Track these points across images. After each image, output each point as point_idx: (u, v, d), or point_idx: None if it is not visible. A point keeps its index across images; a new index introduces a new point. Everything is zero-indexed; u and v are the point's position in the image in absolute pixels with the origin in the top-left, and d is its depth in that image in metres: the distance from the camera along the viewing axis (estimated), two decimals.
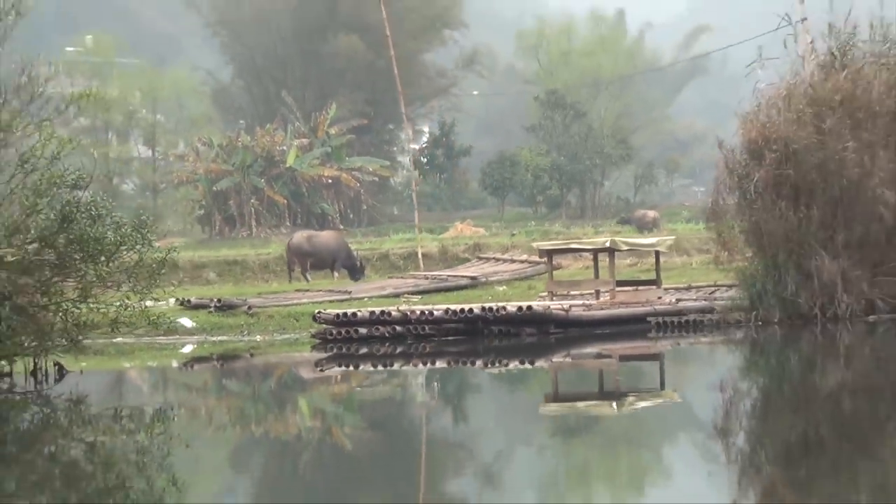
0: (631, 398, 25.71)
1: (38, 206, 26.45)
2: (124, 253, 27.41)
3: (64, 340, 27.47)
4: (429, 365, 31.73)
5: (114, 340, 34.72)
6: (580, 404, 25.29)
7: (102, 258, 27.07)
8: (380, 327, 33.91)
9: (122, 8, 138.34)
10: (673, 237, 40.90)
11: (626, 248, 37.69)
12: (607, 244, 37.12)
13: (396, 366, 31.64)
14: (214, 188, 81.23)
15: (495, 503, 16.57)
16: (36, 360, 27.56)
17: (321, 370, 31.57)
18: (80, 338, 27.88)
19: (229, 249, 63.68)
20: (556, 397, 26.62)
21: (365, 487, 18.18)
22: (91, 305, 27.49)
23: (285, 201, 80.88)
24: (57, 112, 28.23)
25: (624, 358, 31.61)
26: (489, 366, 31.28)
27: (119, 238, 27.16)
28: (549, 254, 38.75)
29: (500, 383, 29.40)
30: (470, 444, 21.51)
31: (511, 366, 31.14)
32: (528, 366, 30.97)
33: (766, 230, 33.46)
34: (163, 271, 28.86)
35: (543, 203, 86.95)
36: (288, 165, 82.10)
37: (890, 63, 34.58)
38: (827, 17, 36.38)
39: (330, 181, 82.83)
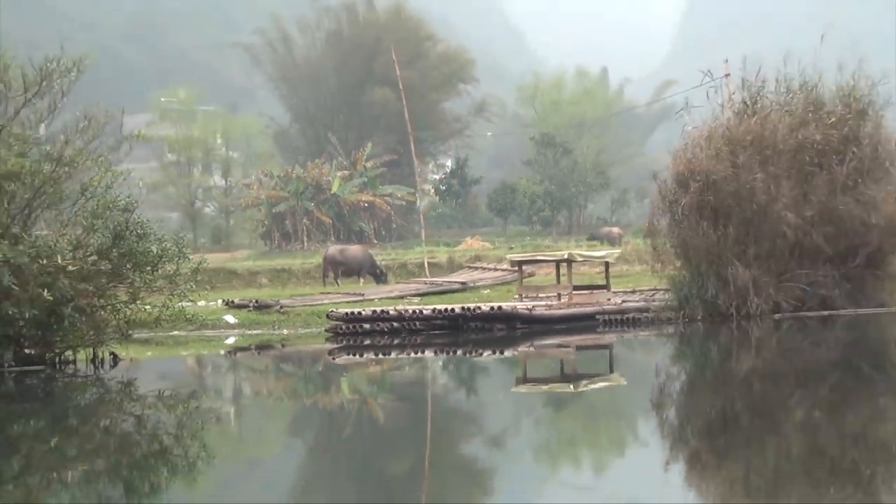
0: (585, 380, 25.73)
1: (96, 227, 26.51)
2: (165, 264, 27.35)
3: (116, 334, 27.60)
4: (419, 354, 31.50)
5: (171, 333, 35.03)
6: (545, 385, 25.18)
7: (147, 268, 27.11)
8: (380, 323, 33.86)
9: (207, 66, 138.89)
10: (619, 251, 41.04)
11: (580, 259, 37.59)
12: (566, 256, 37.04)
13: (393, 354, 31.41)
14: (274, 210, 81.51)
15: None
16: (94, 350, 27.51)
17: (333, 358, 31.42)
18: (130, 332, 28.15)
19: (283, 259, 63.31)
20: (525, 379, 26.59)
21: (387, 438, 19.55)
22: (138, 306, 27.55)
23: (330, 221, 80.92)
24: (110, 150, 28.06)
25: (579, 348, 31.40)
26: (468, 354, 31.11)
27: (160, 252, 27.17)
28: (519, 264, 38.64)
29: (479, 368, 29.41)
30: (464, 408, 23.01)
31: (485, 355, 30.95)
32: (498, 355, 30.82)
33: (692, 245, 33.60)
34: (198, 278, 29.01)
35: (538, 222, 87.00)
36: (333, 192, 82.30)
37: (791, 110, 34.67)
38: (741, 73, 36.53)
39: (366, 205, 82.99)
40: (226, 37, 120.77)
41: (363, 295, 40.72)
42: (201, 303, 40.81)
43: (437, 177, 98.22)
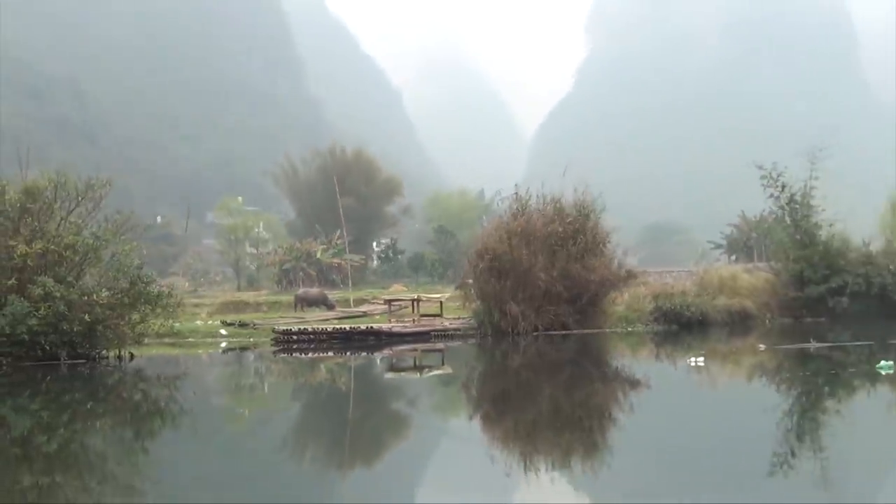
0: (426, 369, 25.74)
1: (118, 277, 25.75)
2: (161, 299, 26.57)
3: (132, 341, 26.64)
4: (326, 354, 30.42)
5: (187, 339, 34.43)
6: (403, 372, 25.18)
7: (151, 301, 26.34)
8: (303, 336, 32.97)
9: (253, 183, 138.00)
10: (447, 294, 39.08)
11: (425, 298, 36.99)
12: (416, 297, 36.52)
13: (310, 354, 30.40)
14: (283, 267, 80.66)
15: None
16: (119, 351, 26.53)
17: (274, 355, 30.48)
18: (142, 341, 27.32)
19: (282, 296, 61.81)
20: (391, 368, 26.39)
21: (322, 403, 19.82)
22: (145, 324, 26.72)
23: (315, 274, 79.77)
24: (131, 230, 27.33)
25: (422, 351, 30.62)
26: (352, 355, 30.12)
27: (159, 293, 26.50)
28: (389, 301, 37.91)
29: (362, 362, 28.42)
30: (358, 385, 22.80)
31: (363, 355, 29.96)
32: (371, 355, 29.84)
33: (485, 291, 33.28)
34: (179, 309, 28.74)
35: (436, 276, 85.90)
36: (317, 257, 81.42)
37: (545, 213, 34.61)
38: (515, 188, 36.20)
39: (337, 265, 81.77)
40: (264, 167, 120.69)
41: (304, 318, 39.77)
42: (210, 321, 40.01)
43: (379, 249, 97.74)
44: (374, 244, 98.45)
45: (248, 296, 65.08)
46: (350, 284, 59.87)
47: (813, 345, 25.55)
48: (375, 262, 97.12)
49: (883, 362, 19.37)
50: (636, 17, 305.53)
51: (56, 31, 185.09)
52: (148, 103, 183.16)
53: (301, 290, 52.66)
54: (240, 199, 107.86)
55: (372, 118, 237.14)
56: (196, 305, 50.15)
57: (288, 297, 57.10)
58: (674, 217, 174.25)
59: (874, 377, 18.95)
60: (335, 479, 11.98)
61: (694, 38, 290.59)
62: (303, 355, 30.45)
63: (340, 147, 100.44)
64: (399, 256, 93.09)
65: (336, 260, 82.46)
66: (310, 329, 33.56)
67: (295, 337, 32.93)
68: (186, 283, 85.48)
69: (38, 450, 13.46)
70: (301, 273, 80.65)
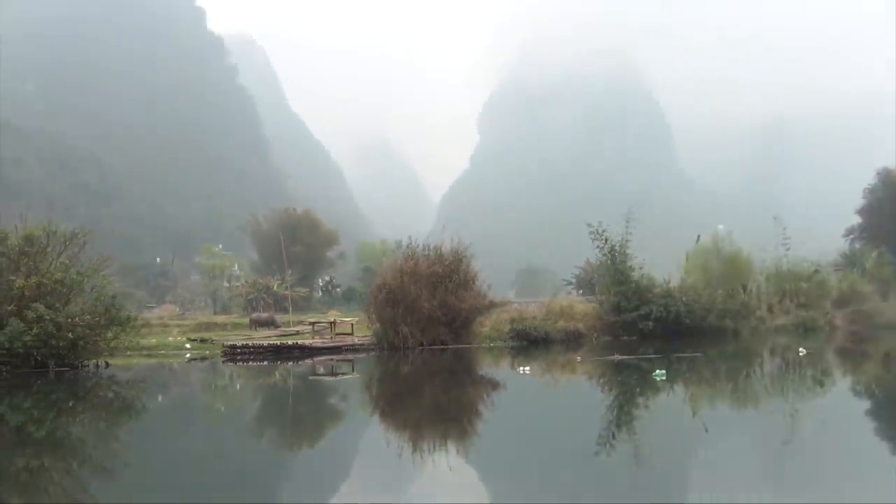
0: (340, 375, 24.79)
1: (96, 305, 24.65)
2: (130, 322, 25.53)
3: (107, 353, 25.50)
4: (263, 363, 29.45)
5: (160, 351, 33.06)
6: (324, 377, 24.39)
7: (122, 323, 25.28)
8: (246, 349, 31.88)
9: (233, 235, 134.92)
10: (358, 318, 37.83)
11: (340, 321, 36.12)
12: (333, 319, 35.69)
13: (251, 363, 29.39)
14: (248, 297, 79.03)
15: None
16: (97, 361, 25.35)
17: (224, 363, 29.50)
18: (115, 354, 26.12)
19: (243, 319, 60.03)
20: (314, 374, 25.33)
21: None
22: (118, 340, 25.58)
23: (271, 302, 78.18)
24: (104, 268, 26.21)
25: (337, 360, 29.72)
26: (282, 364, 29.05)
27: (128, 316, 25.59)
28: (313, 323, 37.03)
29: (293, 369, 27.39)
30: (292, 386, 21.20)
31: (290, 364, 28.94)
32: (296, 364, 28.94)
33: (383, 316, 32.26)
34: (142, 330, 27.57)
35: (364, 305, 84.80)
36: (274, 289, 79.72)
37: (429, 257, 33.68)
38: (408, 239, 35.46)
39: (288, 295, 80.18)
40: (237, 222, 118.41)
41: (250, 336, 38.52)
42: (180, 338, 38.47)
43: (322, 284, 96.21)
44: (319, 280, 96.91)
45: (219, 318, 63.34)
46: (291, 310, 58.51)
47: (616, 357, 25.59)
48: (320, 293, 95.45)
49: (658, 371, 19.33)
50: (515, 116, 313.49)
51: (82, 116, 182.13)
52: (152, 173, 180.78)
53: (255, 315, 51.45)
54: (219, 246, 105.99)
55: (319, 186, 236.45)
56: (178, 325, 48.63)
57: (247, 320, 55.64)
58: (542, 261, 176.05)
59: (659, 381, 18.93)
60: (270, 452, 12.47)
61: (557, 132, 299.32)
62: (244, 364, 29.46)
63: (293, 208, 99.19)
64: (336, 290, 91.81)
65: (287, 292, 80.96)
66: (250, 344, 32.51)
67: (239, 350, 31.84)
68: (177, 308, 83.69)
69: (30, 437, 13.27)
70: (262, 301, 79.03)
